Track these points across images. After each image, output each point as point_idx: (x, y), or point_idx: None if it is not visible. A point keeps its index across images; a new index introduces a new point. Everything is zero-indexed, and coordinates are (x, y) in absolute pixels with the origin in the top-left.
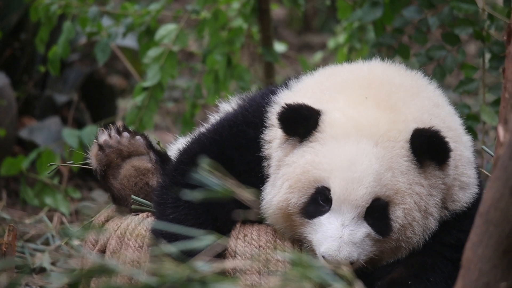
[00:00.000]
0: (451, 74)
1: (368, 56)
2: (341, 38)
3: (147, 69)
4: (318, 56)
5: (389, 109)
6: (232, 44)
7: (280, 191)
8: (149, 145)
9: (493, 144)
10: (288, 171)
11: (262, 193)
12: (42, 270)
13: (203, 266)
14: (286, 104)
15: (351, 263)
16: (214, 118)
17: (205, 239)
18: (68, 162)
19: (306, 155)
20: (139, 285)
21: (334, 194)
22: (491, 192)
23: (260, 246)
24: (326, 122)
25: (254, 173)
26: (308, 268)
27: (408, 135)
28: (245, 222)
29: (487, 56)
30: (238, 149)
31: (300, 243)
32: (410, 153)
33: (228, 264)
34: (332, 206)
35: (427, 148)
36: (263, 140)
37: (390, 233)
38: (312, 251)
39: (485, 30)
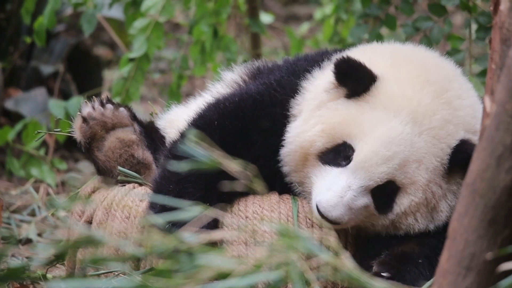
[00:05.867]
0: (437, 45)
1: (355, 27)
2: (328, 9)
3: (133, 40)
4: (304, 27)
5: (447, 105)
6: (218, 15)
7: (310, 130)
8: (133, 117)
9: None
10: (327, 115)
11: (290, 128)
12: (28, 241)
13: (190, 237)
14: (348, 57)
15: (337, 223)
16: (219, 88)
17: (193, 210)
18: (55, 130)
19: (351, 109)
20: (125, 256)
21: (357, 157)
22: (477, 163)
23: (246, 217)
24: (381, 90)
25: (274, 157)
26: (295, 239)
27: (453, 141)
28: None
29: (474, 26)
30: (263, 133)
31: (302, 184)
32: (446, 158)
33: (215, 235)
34: (349, 165)
35: (466, 163)
36: (292, 106)
37: (388, 213)
38: (308, 194)
39: (472, 1)
